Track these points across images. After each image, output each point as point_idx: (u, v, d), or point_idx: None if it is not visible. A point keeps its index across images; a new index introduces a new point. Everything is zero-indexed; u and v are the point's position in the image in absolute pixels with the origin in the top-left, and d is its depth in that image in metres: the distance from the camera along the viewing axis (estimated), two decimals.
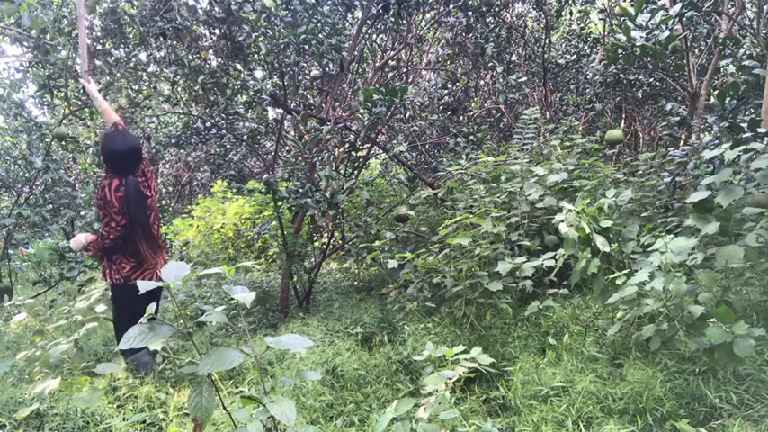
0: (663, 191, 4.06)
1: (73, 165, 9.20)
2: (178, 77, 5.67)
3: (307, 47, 4.74)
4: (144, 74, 5.85)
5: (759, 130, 3.10)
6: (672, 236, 2.64)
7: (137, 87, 6.07)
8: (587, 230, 2.94)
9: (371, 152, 6.37)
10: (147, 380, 3.23)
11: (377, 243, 4.41)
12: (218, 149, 8.51)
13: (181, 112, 6.71)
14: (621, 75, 6.63)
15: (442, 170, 5.27)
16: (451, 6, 5.94)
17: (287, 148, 6.17)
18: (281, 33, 4.63)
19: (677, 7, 3.63)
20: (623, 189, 3.93)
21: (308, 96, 6.15)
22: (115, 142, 3.26)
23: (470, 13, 6.04)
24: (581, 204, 3.10)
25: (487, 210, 3.95)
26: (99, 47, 5.42)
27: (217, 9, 5.26)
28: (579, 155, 4.93)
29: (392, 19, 5.33)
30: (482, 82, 7.82)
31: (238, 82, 5.48)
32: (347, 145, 5.45)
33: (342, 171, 5.39)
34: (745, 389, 2.44)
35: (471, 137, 6.26)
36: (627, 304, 2.84)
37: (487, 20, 6.71)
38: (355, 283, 5.66)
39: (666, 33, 3.62)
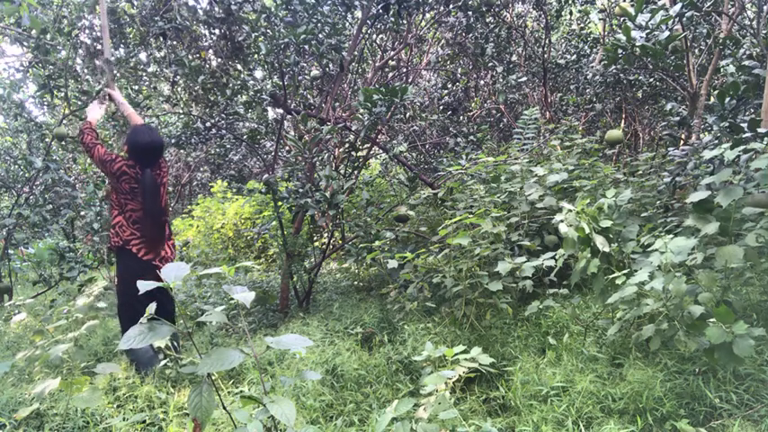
0: (663, 191, 4.06)
1: (73, 165, 9.19)
2: (178, 77, 5.66)
3: (307, 47, 4.74)
4: (144, 74, 5.84)
5: (759, 130, 3.10)
6: (672, 236, 2.64)
7: (137, 87, 6.07)
8: (587, 230, 2.94)
9: (371, 152, 6.37)
10: (147, 380, 3.23)
11: (377, 243, 4.41)
12: (218, 149, 8.51)
13: (181, 112, 6.70)
14: (621, 75, 6.62)
15: (442, 170, 5.27)
16: (451, 6, 5.93)
17: (287, 148, 6.17)
18: (281, 33, 4.63)
19: (677, 7, 3.63)
20: (623, 189, 3.93)
21: (308, 96, 6.14)
22: (142, 134, 3.50)
23: (470, 13, 6.04)
24: (581, 204, 3.10)
25: (487, 210, 3.95)
26: (99, 47, 5.42)
27: (217, 9, 5.26)
28: (579, 155, 4.93)
29: (392, 19, 5.33)
30: (482, 82, 7.82)
31: (238, 82, 5.47)
32: (347, 145, 5.45)
33: (342, 171, 5.39)
34: (745, 389, 2.44)
35: (471, 137, 6.26)
36: (627, 304, 2.84)
37: (487, 20, 6.70)
38: (355, 283, 5.66)
39: (666, 33, 3.62)
